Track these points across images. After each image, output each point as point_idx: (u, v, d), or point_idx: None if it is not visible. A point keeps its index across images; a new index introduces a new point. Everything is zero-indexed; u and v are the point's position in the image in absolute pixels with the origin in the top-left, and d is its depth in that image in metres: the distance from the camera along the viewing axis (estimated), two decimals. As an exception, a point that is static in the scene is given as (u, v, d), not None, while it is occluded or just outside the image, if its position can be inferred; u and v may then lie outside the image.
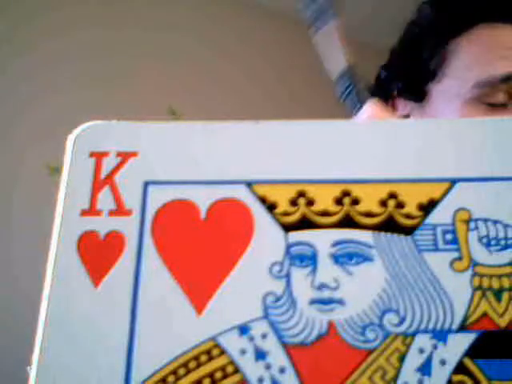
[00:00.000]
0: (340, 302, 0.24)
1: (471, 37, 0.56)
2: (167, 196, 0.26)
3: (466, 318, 0.24)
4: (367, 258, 0.25)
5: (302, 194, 0.26)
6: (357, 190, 0.26)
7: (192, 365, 0.23)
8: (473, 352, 0.23)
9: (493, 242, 0.25)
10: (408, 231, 0.25)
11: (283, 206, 0.26)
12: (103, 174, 0.27)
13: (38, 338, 0.24)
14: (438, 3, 0.58)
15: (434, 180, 0.26)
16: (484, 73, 0.53)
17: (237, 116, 0.30)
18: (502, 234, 0.25)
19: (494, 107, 0.52)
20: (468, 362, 0.23)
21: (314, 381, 0.23)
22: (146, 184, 0.26)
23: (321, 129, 0.28)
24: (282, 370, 0.23)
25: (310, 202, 0.26)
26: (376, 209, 0.26)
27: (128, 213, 0.26)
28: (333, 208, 0.26)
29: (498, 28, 0.55)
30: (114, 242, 0.25)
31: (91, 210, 0.26)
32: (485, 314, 0.24)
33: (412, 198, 0.26)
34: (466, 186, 0.26)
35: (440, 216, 0.25)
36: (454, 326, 0.24)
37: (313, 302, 0.24)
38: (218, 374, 0.23)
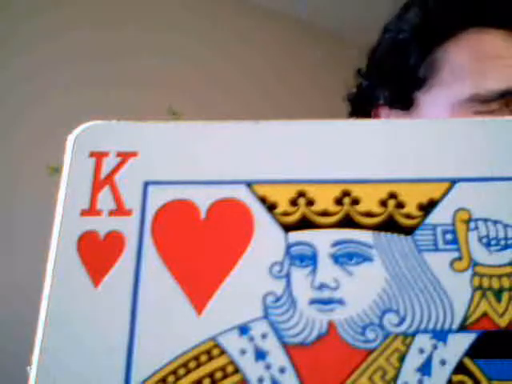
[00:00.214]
0: (340, 301, 0.24)
1: (459, 42, 0.54)
2: (167, 196, 0.26)
3: (466, 318, 0.24)
4: (367, 258, 0.25)
5: (301, 194, 0.26)
6: (357, 190, 0.26)
7: (192, 365, 0.23)
8: (473, 352, 0.23)
9: (493, 242, 0.25)
10: (408, 231, 0.25)
11: (283, 205, 0.26)
12: (103, 174, 0.27)
13: (38, 338, 0.24)
14: (421, 7, 0.56)
15: (433, 180, 0.26)
16: (478, 87, 0.51)
17: (237, 116, 0.30)
18: (501, 234, 0.25)
19: (488, 114, 0.51)
20: (468, 362, 0.23)
21: (313, 381, 0.23)
22: (146, 184, 0.26)
23: (321, 129, 0.28)
24: (281, 370, 0.23)
25: (310, 202, 0.26)
26: (376, 209, 0.26)
27: (128, 213, 0.26)
28: (333, 208, 0.26)
29: (487, 32, 0.53)
30: (114, 241, 0.25)
31: (91, 210, 0.26)
32: (485, 314, 0.24)
33: (412, 198, 0.26)
34: (466, 186, 0.26)
35: (440, 216, 0.25)
36: (454, 326, 0.24)
37: (313, 301, 0.24)
38: (218, 374, 0.23)
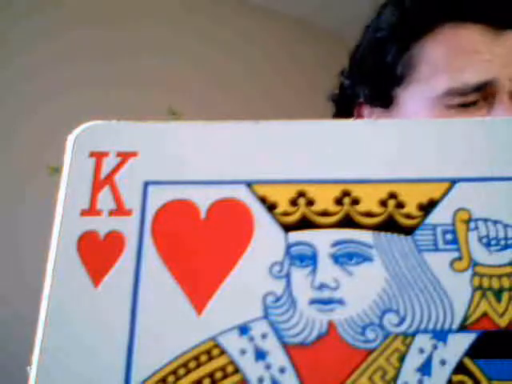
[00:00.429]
0: (340, 301, 0.24)
1: (436, 37, 0.54)
2: (167, 196, 0.26)
3: (466, 318, 0.24)
4: (367, 258, 0.25)
5: (302, 194, 0.26)
6: (357, 190, 0.26)
7: (192, 365, 0.23)
8: (473, 352, 0.23)
9: (493, 242, 0.25)
10: (408, 231, 0.25)
11: (283, 205, 0.26)
12: (103, 174, 0.27)
13: (38, 338, 0.24)
14: (397, 5, 0.56)
15: (434, 180, 0.26)
16: (455, 80, 0.51)
17: (237, 116, 0.30)
18: (501, 234, 0.25)
19: (466, 107, 0.51)
20: (468, 362, 0.23)
21: (314, 381, 0.23)
22: (146, 184, 0.26)
23: (321, 129, 0.28)
24: (281, 370, 0.23)
25: (310, 202, 0.26)
26: (376, 209, 0.26)
27: (128, 213, 0.26)
28: (333, 208, 0.26)
29: (463, 27, 0.53)
30: (114, 241, 0.25)
31: (91, 210, 0.26)
32: (485, 314, 0.24)
33: (412, 198, 0.26)
34: (465, 186, 0.26)
35: (440, 216, 0.25)
36: (454, 326, 0.24)
37: (313, 301, 0.24)
38: (218, 374, 0.23)
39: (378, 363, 0.23)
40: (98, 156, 0.27)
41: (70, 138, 0.28)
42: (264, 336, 0.24)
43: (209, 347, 0.24)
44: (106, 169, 0.27)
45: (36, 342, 0.24)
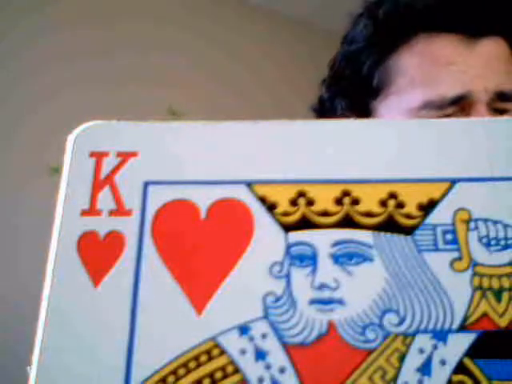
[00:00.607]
0: (340, 301, 0.24)
1: (411, 49, 0.54)
2: (167, 196, 0.26)
3: (466, 318, 0.24)
4: (367, 258, 0.25)
5: (302, 194, 0.26)
6: (357, 190, 0.26)
7: (192, 365, 0.23)
8: (473, 352, 0.23)
9: (493, 242, 0.25)
10: (408, 231, 0.25)
11: (283, 205, 0.26)
12: (103, 174, 0.27)
13: (38, 337, 0.24)
14: (371, 17, 0.56)
15: (434, 180, 0.26)
16: (431, 93, 0.51)
17: (237, 116, 0.30)
18: (501, 234, 0.25)
19: (444, 118, 0.51)
20: (468, 362, 0.23)
21: (313, 381, 0.23)
22: (146, 184, 0.26)
23: (321, 129, 0.28)
24: (281, 370, 0.23)
25: (310, 202, 0.26)
26: (376, 209, 0.26)
27: (128, 213, 0.26)
28: (333, 208, 0.26)
29: (438, 38, 0.53)
30: (114, 242, 0.25)
31: (91, 210, 0.26)
32: (485, 314, 0.24)
33: (412, 198, 0.26)
34: (465, 186, 0.26)
35: (440, 216, 0.25)
36: (454, 326, 0.24)
37: (313, 302, 0.24)
38: (218, 374, 0.23)
39: (378, 363, 0.23)
40: (98, 156, 0.27)
41: (70, 138, 0.28)
42: (264, 336, 0.24)
43: (209, 347, 0.24)
44: (105, 169, 0.27)
45: (36, 341, 0.24)
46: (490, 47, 0.53)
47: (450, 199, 0.26)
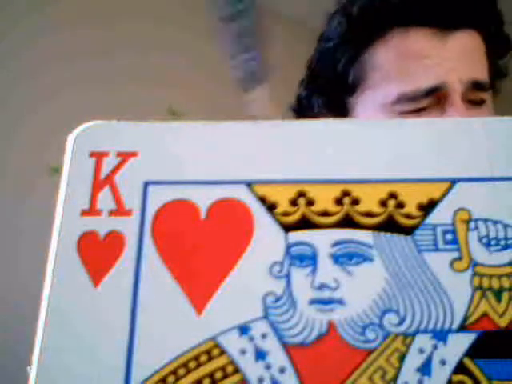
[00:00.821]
0: (340, 301, 0.24)
1: (385, 44, 0.54)
2: (167, 196, 0.26)
3: (466, 318, 0.24)
4: (367, 258, 0.25)
5: (302, 194, 0.26)
6: (357, 190, 0.26)
7: (192, 365, 0.23)
8: (473, 352, 0.23)
9: (493, 242, 0.25)
10: (408, 231, 0.25)
11: (283, 205, 0.26)
12: (103, 174, 0.27)
13: (38, 338, 0.24)
14: (344, 14, 0.56)
15: (434, 180, 0.26)
16: (406, 86, 0.51)
17: (237, 116, 0.30)
18: (501, 234, 0.25)
19: (418, 112, 0.51)
20: (468, 362, 0.23)
21: (313, 381, 0.23)
22: (146, 184, 0.26)
23: (321, 129, 0.28)
24: (281, 370, 0.23)
25: (310, 202, 0.26)
26: (376, 209, 0.26)
27: (128, 213, 0.26)
28: (333, 208, 0.26)
29: (412, 31, 0.53)
30: (114, 242, 0.25)
31: (91, 210, 0.26)
32: (485, 314, 0.24)
33: (412, 198, 0.26)
34: (465, 186, 0.26)
35: (440, 216, 0.25)
36: (454, 326, 0.23)
37: (313, 302, 0.24)
38: (218, 374, 0.23)
39: (378, 363, 0.23)
40: (98, 156, 0.27)
41: (70, 138, 0.28)
42: (264, 336, 0.24)
43: (209, 347, 0.24)
44: (105, 169, 0.27)
45: (36, 341, 0.24)
46: (463, 40, 0.53)
47: (450, 199, 0.26)
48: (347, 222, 0.25)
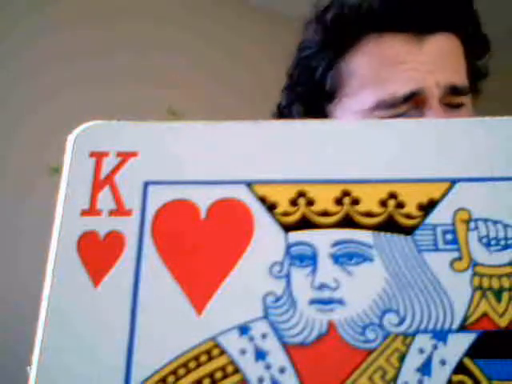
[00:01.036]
0: (340, 301, 0.24)
1: (361, 51, 0.54)
2: (167, 196, 0.26)
3: (466, 318, 0.24)
4: (367, 258, 0.25)
5: (302, 194, 0.26)
6: (357, 190, 0.26)
7: (192, 365, 0.23)
8: (473, 352, 0.23)
9: (493, 242, 0.25)
10: (408, 231, 0.25)
11: (283, 205, 0.26)
12: (103, 174, 0.27)
13: (38, 338, 0.24)
14: (319, 22, 0.56)
15: (434, 180, 0.26)
16: (383, 93, 0.51)
17: (237, 116, 0.30)
18: (501, 234, 0.25)
19: (397, 117, 0.51)
20: (468, 362, 0.23)
21: (313, 381, 0.23)
22: (146, 184, 0.26)
23: (321, 129, 0.28)
24: (281, 370, 0.23)
25: (310, 202, 0.26)
26: (376, 209, 0.26)
27: (128, 213, 0.26)
28: (333, 208, 0.26)
29: (385, 38, 0.53)
30: (114, 242, 0.25)
31: (91, 210, 0.26)
32: (485, 314, 0.24)
33: (412, 198, 0.26)
34: (465, 186, 0.26)
35: (440, 216, 0.25)
36: (454, 326, 0.24)
37: (313, 302, 0.24)
38: (218, 374, 0.23)
39: (378, 363, 0.23)
40: (98, 156, 0.27)
41: (70, 138, 0.28)
42: (264, 336, 0.24)
43: (209, 347, 0.24)
44: (105, 169, 0.27)
45: (36, 341, 0.24)
46: (440, 43, 0.53)
47: (450, 199, 0.26)
48: (347, 222, 0.25)
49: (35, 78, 1.66)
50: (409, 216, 0.25)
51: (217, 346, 0.24)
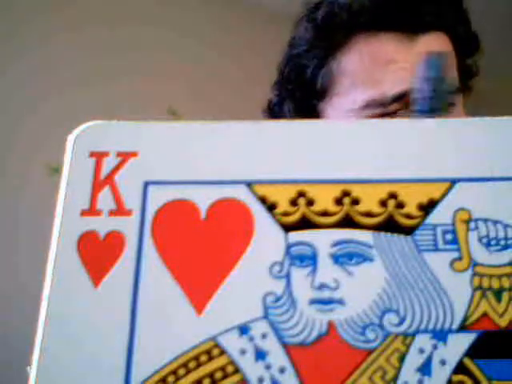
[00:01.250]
0: (340, 301, 0.24)
1: (352, 49, 0.54)
2: (167, 196, 0.26)
3: (466, 318, 0.24)
4: (367, 258, 0.25)
5: (302, 194, 0.26)
6: (357, 190, 0.26)
7: (192, 365, 0.23)
8: (473, 352, 0.23)
9: (493, 242, 0.25)
10: (408, 231, 0.25)
11: (283, 205, 0.26)
12: (103, 174, 0.27)
13: (38, 338, 0.24)
14: (310, 20, 0.56)
15: (434, 180, 0.26)
16: (374, 92, 0.51)
17: (237, 116, 0.30)
18: (501, 234, 0.25)
19: (388, 116, 0.51)
20: (468, 362, 0.23)
21: (313, 381, 0.23)
22: (146, 184, 0.26)
23: (321, 129, 0.28)
24: (281, 370, 0.23)
25: (310, 202, 0.26)
26: (376, 209, 0.26)
27: (128, 213, 0.26)
28: (333, 208, 0.26)
29: (376, 37, 0.53)
30: (114, 242, 0.25)
31: (91, 210, 0.26)
32: (485, 314, 0.24)
33: (412, 198, 0.26)
34: (466, 186, 0.26)
35: (440, 216, 0.25)
36: (454, 326, 0.23)
37: (313, 302, 0.24)
38: (218, 374, 0.23)
39: (378, 363, 0.23)
40: (98, 156, 0.27)
41: (70, 138, 0.28)
42: (264, 336, 0.24)
43: (209, 347, 0.24)
44: (105, 169, 0.27)
45: (36, 341, 0.24)
46: (430, 43, 0.53)
47: (450, 199, 0.26)
48: (347, 222, 0.25)
49: (35, 78, 1.66)
50: (409, 216, 0.25)
51: (217, 345, 0.24)
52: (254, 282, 0.24)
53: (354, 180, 0.26)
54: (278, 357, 0.23)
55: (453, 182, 0.26)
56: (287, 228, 0.25)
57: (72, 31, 1.75)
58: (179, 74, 1.85)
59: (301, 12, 0.58)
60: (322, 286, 0.24)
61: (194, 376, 0.23)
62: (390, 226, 0.25)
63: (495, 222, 0.25)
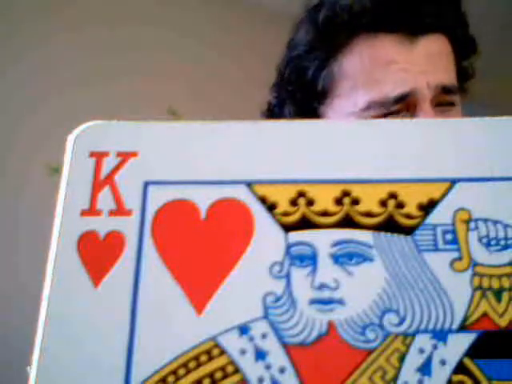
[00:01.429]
0: (340, 301, 0.24)
1: (353, 51, 0.54)
2: (167, 196, 0.26)
3: (466, 318, 0.24)
4: (367, 258, 0.25)
5: (302, 194, 0.26)
6: (357, 190, 0.26)
7: (192, 365, 0.23)
8: (473, 352, 0.23)
9: (493, 242, 0.25)
10: (408, 231, 0.25)
11: (283, 205, 0.26)
12: (103, 174, 0.27)
13: (38, 338, 0.24)
14: (311, 22, 0.56)
15: (434, 180, 0.26)
16: (375, 93, 0.51)
17: (237, 116, 0.30)
18: (501, 234, 0.25)
19: (389, 116, 0.51)
20: (468, 362, 0.23)
21: (314, 381, 0.23)
22: (146, 184, 0.26)
23: (321, 129, 0.28)
24: (281, 370, 0.23)
25: (310, 202, 0.26)
26: (376, 209, 0.26)
27: (128, 213, 0.26)
28: (333, 208, 0.26)
29: (377, 38, 0.53)
30: (114, 242, 0.25)
31: (91, 210, 0.26)
32: (485, 314, 0.24)
33: (412, 198, 0.26)
34: (466, 186, 0.26)
35: (440, 216, 0.25)
36: (454, 326, 0.24)
37: (313, 302, 0.24)
38: (218, 374, 0.23)
39: (378, 363, 0.23)
40: (98, 156, 0.27)
41: (70, 138, 0.28)
42: (264, 336, 0.24)
43: (209, 347, 0.24)
44: (105, 169, 0.27)
45: (36, 341, 0.24)
46: (430, 44, 0.53)
47: (450, 199, 0.26)
48: (347, 222, 0.25)
49: (35, 78, 1.66)
50: (409, 216, 0.25)
51: (217, 345, 0.24)
52: (253, 281, 0.24)
53: (354, 180, 0.26)
54: (277, 357, 0.23)
55: (453, 182, 0.26)
56: (287, 228, 0.25)
57: (72, 31, 1.75)
58: (179, 74, 1.85)
59: (301, 13, 0.58)
60: (321, 286, 0.24)
61: (194, 376, 0.23)
62: (390, 225, 0.25)
63: (495, 222, 0.25)
